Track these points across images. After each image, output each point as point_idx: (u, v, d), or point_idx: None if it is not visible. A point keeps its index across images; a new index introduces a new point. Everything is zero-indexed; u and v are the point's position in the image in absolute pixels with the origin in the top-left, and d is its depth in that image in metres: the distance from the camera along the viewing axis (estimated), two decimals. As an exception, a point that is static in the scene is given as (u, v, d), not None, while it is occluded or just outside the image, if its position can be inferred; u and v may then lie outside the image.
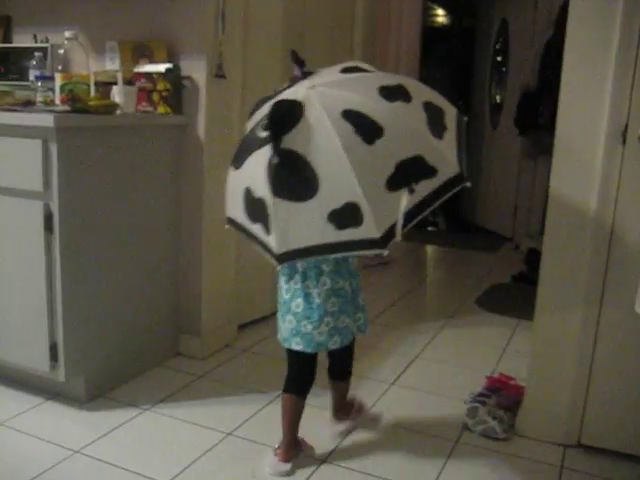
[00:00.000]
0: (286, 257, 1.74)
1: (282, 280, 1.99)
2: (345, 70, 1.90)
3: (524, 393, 2.31)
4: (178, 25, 2.59)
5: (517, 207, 5.48)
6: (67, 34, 2.46)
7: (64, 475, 1.92)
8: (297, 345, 1.94)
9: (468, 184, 1.68)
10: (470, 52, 6.83)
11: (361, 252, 1.75)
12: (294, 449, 2.05)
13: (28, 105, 2.44)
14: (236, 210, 1.85)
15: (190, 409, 2.35)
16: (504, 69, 5.84)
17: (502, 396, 2.39)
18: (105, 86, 2.59)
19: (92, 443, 2.09)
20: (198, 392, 2.50)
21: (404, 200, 1.62)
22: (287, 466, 2.01)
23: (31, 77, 2.57)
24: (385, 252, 1.63)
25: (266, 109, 1.75)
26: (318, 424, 2.24)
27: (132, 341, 2.55)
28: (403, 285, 4.05)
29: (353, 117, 1.64)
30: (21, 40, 2.93)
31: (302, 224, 1.67)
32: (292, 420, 2.04)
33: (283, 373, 2.58)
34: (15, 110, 2.26)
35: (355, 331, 2.05)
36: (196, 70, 2.59)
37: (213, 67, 2.60)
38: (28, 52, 2.71)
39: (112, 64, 2.69)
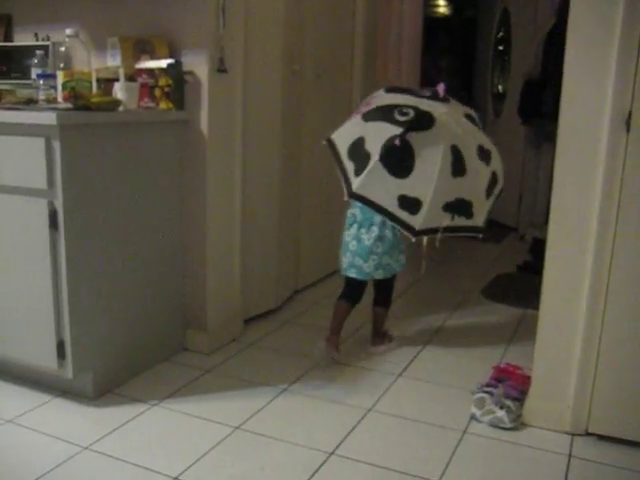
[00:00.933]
0: (356, 196, 2.35)
1: (361, 232, 2.65)
2: (467, 115, 2.48)
3: (531, 382, 2.31)
4: (179, 20, 2.59)
5: (522, 196, 5.46)
6: (68, 31, 2.46)
7: (74, 471, 1.93)
8: (352, 274, 2.71)
9: (480, 236, 2.36)
10: (471, 42, 6.81)
11: (396, 226, 2.38)
12: (338, 341, 2.76)
13: (30, 103, 2.45)
14: (341, 141, 2.42)
15: (198, 404, 2.36)
16: (506, 58, 5.81)
17: (509, 386, 2.39)
18: (107, 83, 2.59)
19: (101, 439, 2.10)
20: (205, 387, 2.51)
21: (446, 219, 2.31)
22: (336, 354, 2.71)
23: (33, 75, 2.57)
24: (412, 239, 2.32)
25: (410, 101, 2.34)
26: (324, 415, 2.25)
27: (139, 337, 2.56)
28: (409, 276, 4.04)
29: (455, 154, 2.28)
30: (22, 39, 2.93)
31: (382, 188, 2.29)
32: (341, 320, 2.78)
33: (289, 366, 2.62)
34: (17, 109, 2.26)
35: (397, 268, 2.76)
36: (198, 65, 2.58)
37: (215, 62, 2.60)
38: (29, 50, 2.71)
39: (113, 60, 2.68)
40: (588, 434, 2.20)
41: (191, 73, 2.59)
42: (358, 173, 2.31)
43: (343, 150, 2.39)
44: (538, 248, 3.91)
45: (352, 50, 4.02)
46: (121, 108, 2.41)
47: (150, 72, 2.56)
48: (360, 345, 2.93)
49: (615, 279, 2.07)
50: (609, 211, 2.04)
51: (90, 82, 2.51)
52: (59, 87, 2.45)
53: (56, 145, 2.09)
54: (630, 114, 1.97)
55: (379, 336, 2.93)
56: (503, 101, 5.87)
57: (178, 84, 2.57)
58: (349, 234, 2.69)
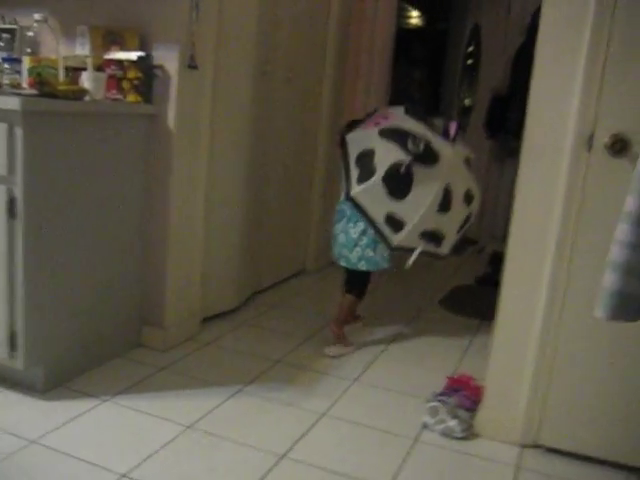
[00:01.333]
0: (352, 200, 2.67)
1: (349, 226, 2.84)
2: (466, 160, 2.84)
3: (483, 393, 2.33)
4: (151, 13, 2.56)
5: (483, 210, 5.53)
6: (36, 16, 2.41)
7: (19, 465, 1.89)
8: (342, 263, 2.94)
9: (440, 261, 2.87)
10: (442, 54, 6.87)
11: (378, 237, 2.72)
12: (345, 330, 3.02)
13: (-6, 87, 2.40)
14: (354, 146, 2.68)
15: (150, 401, 2.33)
16: (474, 73, 5.89)
17: (463, 396, 2.41)
18: (74, 71, 2.55)
19: (49, 433, 2.06)
20: (159, 384, 2.48)
21: (421, 245, 2.69)
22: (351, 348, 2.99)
23: (-3, 59, 2.52)
24: (387, 250, 2.79)
25: (425, 134, 2.62)
26: (278, 418, 2.24)
27: (93, 331, 2.52)
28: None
29: (446, 194, 2.64)
30: (-12, 21, 2.87)
31: (376, 202, 2.63)
32: (349, 312, 3.05)
33: (245, 367, 2.62)
34: (-20, 92, 2.21)
35: (382, 264, 2.92)
36: (168, 59, 2.56)
37: (185, 57, 2.58)
38: (-5, 33, 2.65)
39: (82, 49, 2.64)
40: (537, 446, 2.24)
41: (161, 67, 2.57)
42: (360, 181, 2.64)
43: (353, 155, 2.68)
44: (497, 261, 3.95)
45: (324, 56, 4.04)
46: (87, 98, 2.37)
47: (119, 63, 2.53)
48: (319, 348, 2.93)
49: (571, 294, 2.11)
50: (568, 227, 2.08)
51: (57, 69, 2.47)
52: (24, 72, 2.41)
53: (18, 131, 2.04)
54: (592, 134, 2.01)
55: (337, 324, 3.01)
56: (469, 115, 5.94)
57: (147, 77, 2.55)
58: (338, 227, 2.91)
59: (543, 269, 2.14)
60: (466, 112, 6.02)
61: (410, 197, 2.60)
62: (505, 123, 4.64)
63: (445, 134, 2.71)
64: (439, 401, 2.36)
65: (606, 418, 2.15)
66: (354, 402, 2.49)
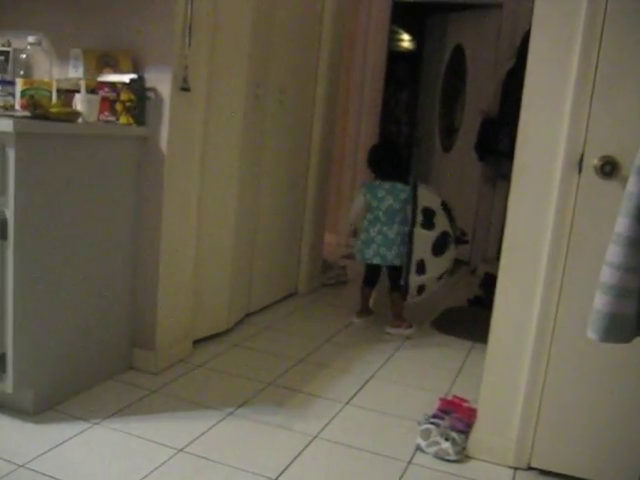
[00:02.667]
0: (410, 236, 3.50)
1: (385, 229, 3.53)
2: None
3: (476, 415, 2.33)
4: (145, 36, 2.58)
5: (475, 232, 5.56)
6: (30, 39, 2.42)
7: (7, 489, 1.87)
8: (397, 262, 3.56)
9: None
10: (416, 76, 6.75)
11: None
12: (366, 313, 3.80)
13: (-14, 109, 2.40)
14: (425, 197, 3.52)
15: (141, 424, 2.31)
16: (452, 94, 5.89)
17: (455, 418, 2.40)
18: (67, 94, 2.55)
19: (38, 457, 2.04)
20: (150, 407, 2.46)
21: (414, 277, 3.52)
22: (355, 318, 3.76)
23: (-10, 81, 2.52)
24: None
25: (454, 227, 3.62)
26: (270, 440, 2.23)
27: (84, 353, 2.50)
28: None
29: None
30: (-18, 43, 2.88)
31: (421, 246, 3.48)
32: (367, 298, 3.80)
33: (237, 389, 2.60)
34: (-27, 114, 2.21)
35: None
36: (161, 82, 2.58)
37: (178, 80, 2.59)
38: (-11, 55, 2.66)
39: (75, 72, 2.65)
40: (530, 468, 2.23)
41: (154, 90, 2.58)
42: (423, 227, 3.47)
43: (422, 203, 3.48)
44: (489, 283, 3.96)
45: (316, 78, 4.06)
46: (80, 120, 2.38)
47: (112, 86, 2.54)
48: (310, 370, 2.92)
49: (562, 316, 2.12)
50: (559, 249, 2.09)
51: (50, 92, 2.48)
52: (17, 94, 2.41)
53: (11, 153, 2.04)
54: (582, 156, 2.03)
55: (398, 318, 3.65)
56: (452, 136, 5.94)
57: (140, 100, 2.56)
58: (373, 230, 3.55)
59: (535, 291, 2.15)
60: (450, 133, 6.03)
61: (439, 258, 3.51)
62: (496, 145, 4.68)
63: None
64: (432, 423, 2.35)
65: (599, 440, 2.14)
66: (346, 424, 2.47)
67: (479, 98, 5.37)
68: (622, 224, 1.35)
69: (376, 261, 3.58)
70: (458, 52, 5.84)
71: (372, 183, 3.62)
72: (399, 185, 3.56)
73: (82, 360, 2.50)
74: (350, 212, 3.73)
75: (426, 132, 6.35)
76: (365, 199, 3.58)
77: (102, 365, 2.61)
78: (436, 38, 6.15)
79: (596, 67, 1.99)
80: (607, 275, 1.37)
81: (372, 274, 3.75)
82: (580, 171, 2.04)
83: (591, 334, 1.41)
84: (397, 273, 3.61)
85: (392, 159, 3.65)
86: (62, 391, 2.42)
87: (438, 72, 6.12)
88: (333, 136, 4.37)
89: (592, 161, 2.02)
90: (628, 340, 1.41)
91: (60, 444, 2.13)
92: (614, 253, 1.36)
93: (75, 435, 2.20)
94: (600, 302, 1.39)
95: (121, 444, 2.18)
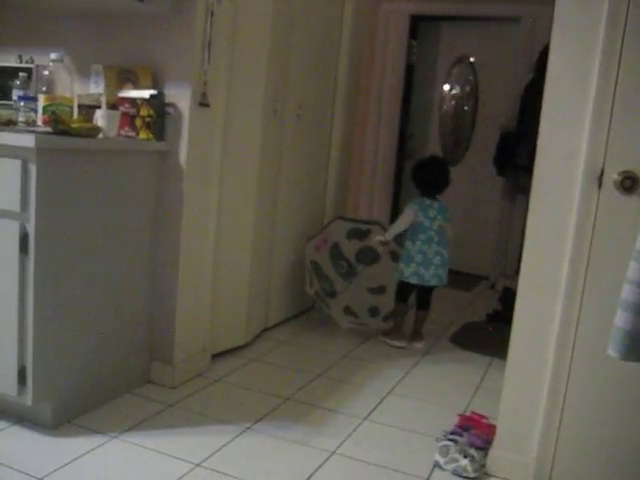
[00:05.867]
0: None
1: (439, 249, 3.51)
2: None
3: (495, 432, 2.30)
4: (164, 52, 2.61)
5: (495, 246, 5.53)
6: (52, 56, 2.46)
7: (26, 503, 1.88)
8: (414, 281, 3.53)
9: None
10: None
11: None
12: (401, 333, 3.67)
13: (9, 125, 2.43)
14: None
15: (159, 438, 2.32)
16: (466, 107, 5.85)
17: (474, 435, 2.38)
18: (88, 109, 2.59)
19: (56, 470, 2.05)
20: (168, 421, 2.46)
21: None
22: (403, 342, 3.62)
23: (14, 97, 2.56)
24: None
25: None
26: (287, 456, 2.22)
27: (102, 367, 2.52)
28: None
29: None
30: (6, 59, 2.92)
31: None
32: (400, 317, 3.70)
33: (254, 404, 2.60)
34: (-4, 129, 2.24)
35: (444, 280, 3.63)
36: (180, 98, 2.60)
37: (197, 95, 2.61)
38: (12, 72, 2.70)
39: (96, 88, 2.69)
40: (550, 487, 2.20)
41: (173, 105, 2.61)
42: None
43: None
44: (508, 298, 3.93)
45: (334, 94, 4.08)
46: (101, 135, 2.41)
47: (132, 101, 2.57)
48: (329, 385, 2.91)
49: (582, 332, 2.09)
50: (579, 264, 2.07)
51: (71, 107, 2.51)
52: (40, 110, 2.44)
53: (32, 168, 2.07)
54: (602, 171, 2.02)
55: (418, 334, 3.68)
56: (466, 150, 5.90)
57: (159, 115, 2.58)
58: (430, 251, 3.49)
59: (555, 306, 2.13)
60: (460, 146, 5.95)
61: None
62: (515, 159, 4.66)
63: None
64: (450, 440, 2.33)
65: (620, 459, 2.10)
66: (364, 440, 2.46)
67: (497, 113, 5.34)
68: (643, 241, 1.34)
69: (434, 282, 3.53)
70: (465, 63, 5.75)
71: (422, 201, 3.56)
72: (443, 204, 3.59)
73: (101, 374, 2.51)
74: (397, 225, 3.64)
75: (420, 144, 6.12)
76: (416, 216, 3.51)
77: (120, 379, 2.62)
78: (441, 49, 5.98)
79: (616, 81, 1.98)
80: (627, 292, 1.36)
81: (410, 293, 3.68)
82: (600, 186, 2.03)
83: (612, 352, 1.40)
84: (427, 292, 3.64)
85: (445, 177, 3.60)
86: (80, 405, 2.43)
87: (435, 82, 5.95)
88: (351, 149, 4.38)
89: (612, 176, 2.01)
90: (649, 358, 1.39)
91: (78, 457, 2.14)
92: (635, 270, 1.35)
93: (93, 449, 2.20)
94: (621, 320, 1.37)
95: (138, 458, 2.18)
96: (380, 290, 3.98)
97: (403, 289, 3.65)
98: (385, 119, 5.69)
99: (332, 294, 3.83)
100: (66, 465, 2.08)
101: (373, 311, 3.90)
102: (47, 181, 2.12)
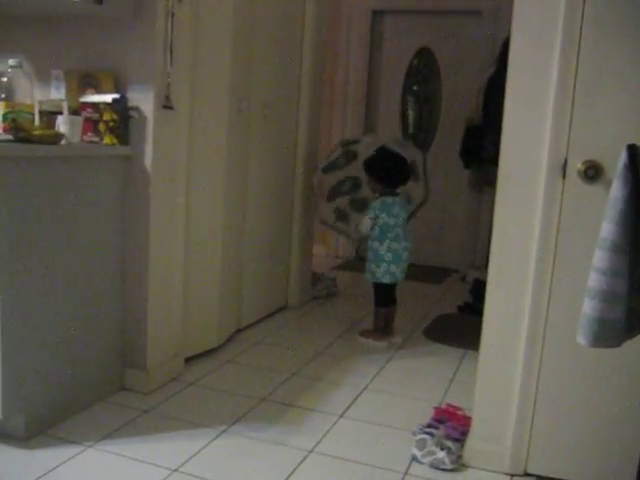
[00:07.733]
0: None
1: (376, 243, 3.49)
2: None
3: (471, 423, 2.32)
4: (126, 55, 2.58)
5: (464, 238, 5.57)
6: (11, 62, 2.42)
7: (0, 518, 1.85)
8: (386, 280, 3.51)
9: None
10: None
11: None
12: (383, 335, 3.61)
13: (-32, 134, 2.39)
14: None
15: (134, 445, 2.30)
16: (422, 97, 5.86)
17: (450, 427, 2.40)
18: (50, 115, 2.55)
19: (31, 483, 2.02)
20: (143, 428, 2.44)
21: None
22: (384, 343, 3.56)
23: (-28, 105, 2.51)
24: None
25: None
26: (264, 457, 2.22)
27: (75, 376, 2.48)
28: (351, 316, 4.06)
29: None
30: (-38, 67, 2.87)
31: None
32: (381, 319, 3.61)
33: (229, 406, 2.58)
34: (-46, 139, 2.20)
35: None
36: (143, 101, 2.57)
37: (161, 98, 2.59)
38: (-31, 79, 2.65)
39: (57, 93, 2.65)
40: (527, 474, 2.23)
41: (136, 109, 2.58)
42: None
43: None
44: (479, 289, 3.97)
45: (299, 93, 4.07)
46: (64, 142, 2.37)
47: (95, 106, 2.54)
48: (303, 384, 2.91)
49: (552, 320, 2.12)
50: (547, 254, 2.10)
51: (32, 114, 2.47)
52: (-1, 118, 2.40)
53: (-6, 177, 2.03)
54: (566, 161, 2.05)
55: (391, 329, 3.66)
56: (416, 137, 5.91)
57: (123, 119, 2.55)
58: (382, 248, 3.46)
59: (524, 296, 2.15)
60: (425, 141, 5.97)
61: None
62: (480, 152, 4.70)
63: None
64: (427, 433, 2.35)
65: (594, 444, 2.14)
66: (341, 438, 2.46)
67: (461, 106, 5.39)
68: (607, 229, 1.36)
69: (401, 278, 3.56)
70: (425, 55, 5.75)
71: (385, 201, 3.48)
72: (403, 200, 3.59)
73: (73, 383, 2.48)
74: (359, 229, 3.64)
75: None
76: (378, 221, 3.47)
77: (93, 387, 2.59)
78: (403, 41, 5.98)
79: (576, 71, 2.01)
80: (594, 280, 1.38)
81: (388, 295, 3.63)
82: (564, 176, 2.06)
83: (581, 339, 1.42)
84: (396, 286, 3.65)
85: (403, 168, 3.56)
86: (54, 415, 2.39)
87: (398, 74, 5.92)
88: (318, 148, 4.38)
89: (576, 165, 2.04)
90: (618, 344, 1.41)
91: (53, 469, 2.11)
92: (600, 258, 1.37)
93: (68, 459, 2.18)
94: (588, 307, 1.39)
95: (115, 466, 2.16)
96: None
97: (382, 293, 3.61)
98: (350, 114, 5.72)
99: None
100: (41, 477, 2.05)
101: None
102: (9, 190, 2.08)
